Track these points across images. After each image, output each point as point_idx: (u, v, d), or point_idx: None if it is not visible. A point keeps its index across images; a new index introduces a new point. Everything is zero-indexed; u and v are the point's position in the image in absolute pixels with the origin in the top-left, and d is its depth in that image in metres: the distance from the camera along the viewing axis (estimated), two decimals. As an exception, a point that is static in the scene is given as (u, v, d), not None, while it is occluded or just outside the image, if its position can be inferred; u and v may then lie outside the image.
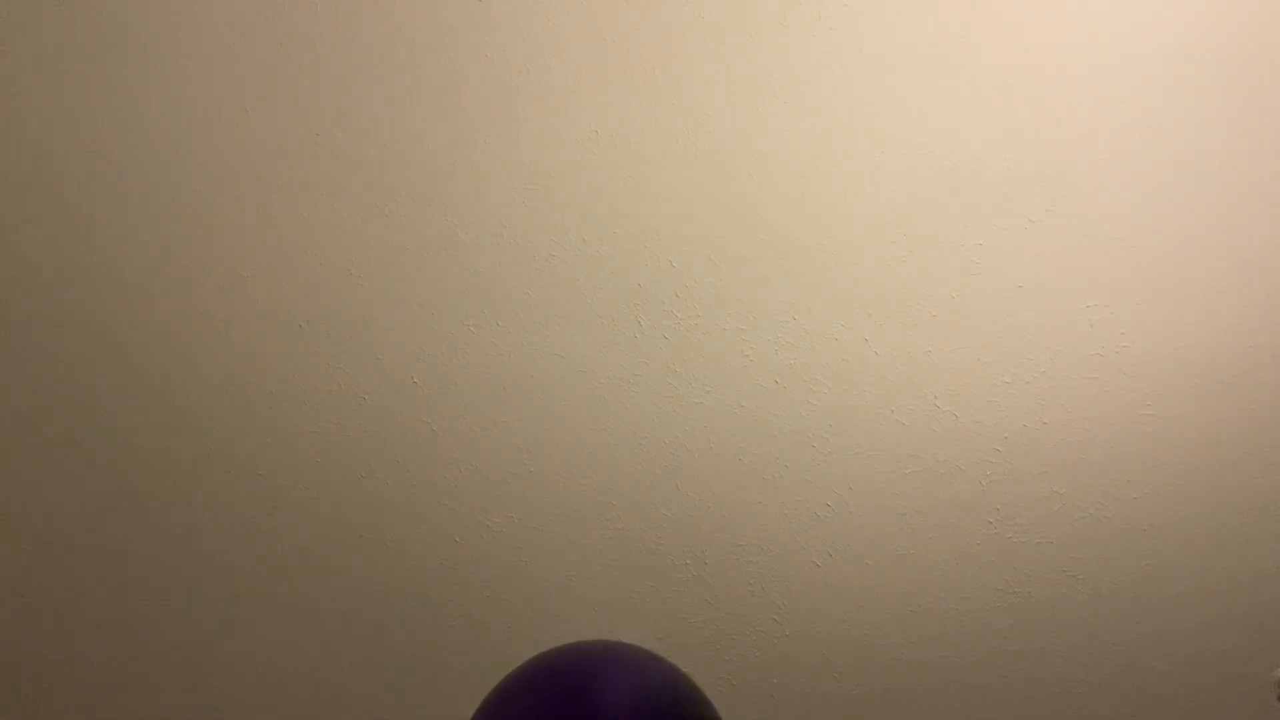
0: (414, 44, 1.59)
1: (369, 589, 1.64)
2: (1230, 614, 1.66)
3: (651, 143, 1.61)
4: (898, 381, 1.63)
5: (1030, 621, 1.65)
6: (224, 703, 1.65)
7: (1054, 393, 1.63)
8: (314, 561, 1.63)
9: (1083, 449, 1.64)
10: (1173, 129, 1.62)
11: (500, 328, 1.62)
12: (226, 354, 1.61)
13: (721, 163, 1.61)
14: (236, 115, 1.60)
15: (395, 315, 1.62)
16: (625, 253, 1.62)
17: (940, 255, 1.62)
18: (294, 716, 1.65)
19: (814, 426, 1.64)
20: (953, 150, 1.61)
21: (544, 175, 1.61)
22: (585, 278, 1.62)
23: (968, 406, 1.64)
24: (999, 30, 1.61)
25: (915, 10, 1.60)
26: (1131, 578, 1.65)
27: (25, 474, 1.62)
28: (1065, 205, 1.62)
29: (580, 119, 1.60)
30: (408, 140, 1.60)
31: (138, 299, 1.61)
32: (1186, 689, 1.66)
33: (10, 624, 1.63)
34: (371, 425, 1.62)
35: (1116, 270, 1.63)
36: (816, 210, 1.62)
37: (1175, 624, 1.66)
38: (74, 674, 1.64)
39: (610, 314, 1.62)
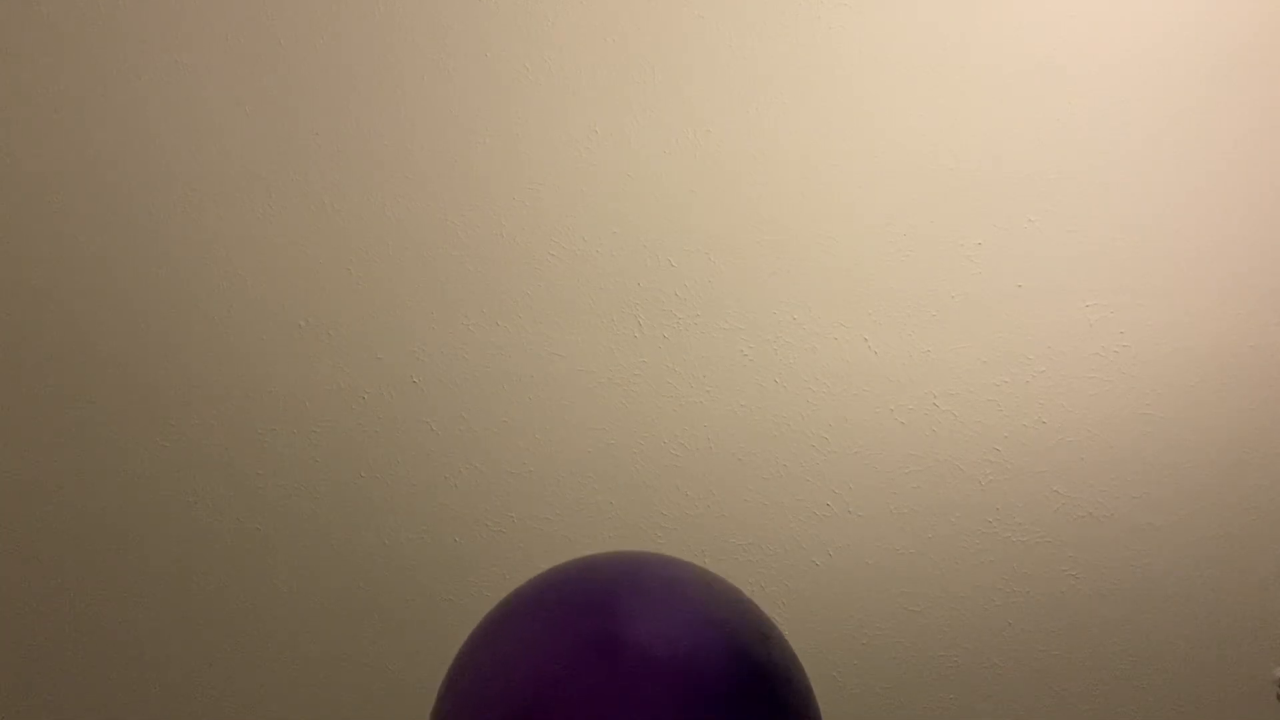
0: (413, 44, 1.60)
1: (369, 589, 1.64)
2: (1230, 613, 1.66)
3: (651, 142, 1.61)
4: (898, 381, 1.63)
5: (1030, 621, 1.65)
6: (222, 702, 1.65)
7: (1054, 393, 1.63)
8: (313, 561, 1.64)
9: (1083, 449, 1.64)
10: (1172, 129, 1.62)
11: (500, 328, 1.62)
12: (226, 354, 1.61)
13: (721, 163, 1.61)
14: (236, 115, 1.60)
15: (395, 315, 1.62)
16: (625, 253, 1.62)
17: (940, 255, 1.62)
18: (293, 716, 1.65)
19: (814, 426, 1.64)
20: (952, 150, 1.61)
21: (543, 175, 1.61)
22: (585, 277, 1.62)
23: (968, 406, 1.64)
24: (998, 31, 1.61)
25: (915, 11, 1.60)
26: (1131, 578, 1.65)
27: (23, 474, 1.62)
28: (1065, 205, 1.62)
29: (579, 119, 1.60)
30: (407, 140, 1.60)
31: (136, 299, 1.61)
32: (1186, 689, 1.66)
33: (7, 623, 1.63)
34: (371, 425, 1.62)
35: (1116, 270, 1.63)
36: (816, 210, 1.62)
37: (1175, 624, 1.66)
38: (71, 673, 1.64)
39: (610, 314, 1.62)
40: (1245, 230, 1.63)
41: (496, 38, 1.59)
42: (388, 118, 1.60)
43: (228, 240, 1.61)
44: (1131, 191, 1.62)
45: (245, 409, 1.62)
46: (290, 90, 1.60)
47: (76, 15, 1.59)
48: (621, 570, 1.04)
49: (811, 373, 1.63)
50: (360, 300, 1.62)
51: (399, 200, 1.61)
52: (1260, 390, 1.64)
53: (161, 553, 1.63)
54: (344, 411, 1.62)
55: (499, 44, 1.60)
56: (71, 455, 1.62)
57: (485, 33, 1.60)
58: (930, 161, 1.61)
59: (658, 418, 1.63)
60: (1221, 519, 1.65)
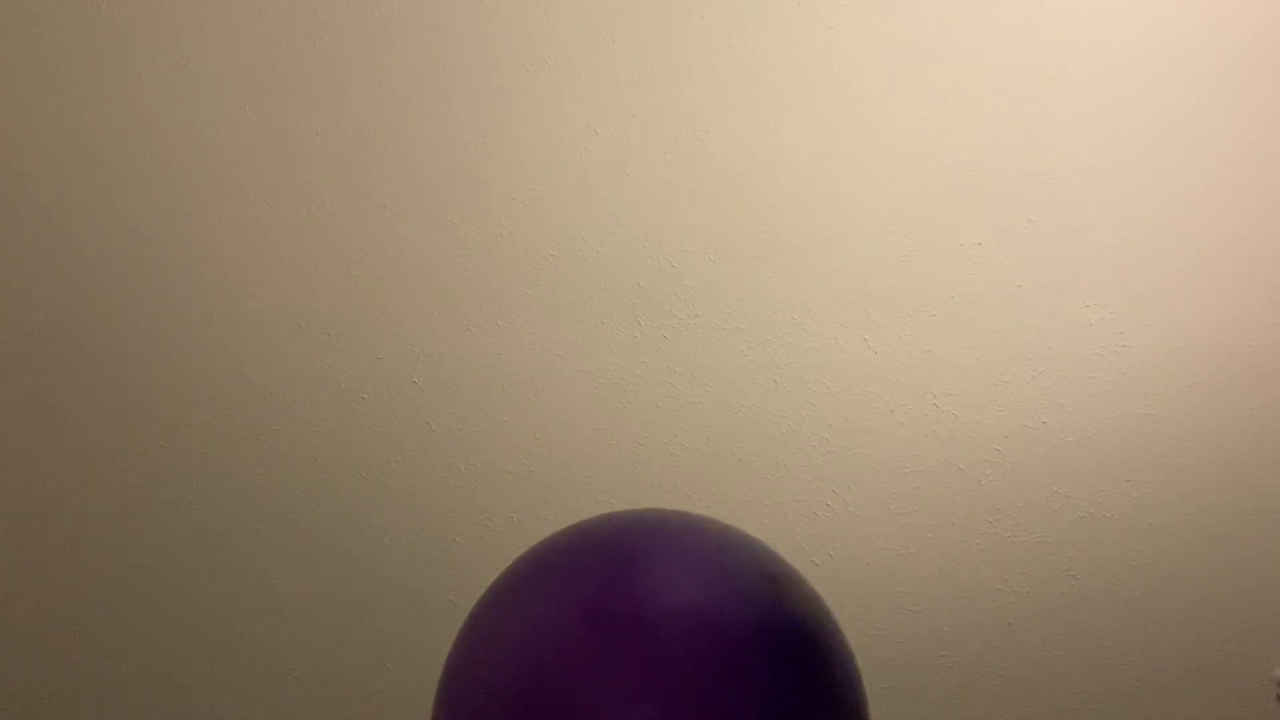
0: (413, 44, 1.60)
1: (369, 589, 1.64)
2: (1230, 614, 1.66)
3: (651, 142, 1.61)
4: (898, 381, 1.63)
5: (1030, 621, 1.65)
6: (222, 702, 1.64)
7: (1053, 393, 1.63)
8: (313, 562, 1.63)
9: (1083, 449, 1.64)
10: (1173, 129, 1.62)
11: (500, 328, 1.62)
12: (226, 354, 1.61)
13: (721, 163, 1.61)
14: (236, 115, 1.60)
15: (395, 315, 1.62)
16: (625, 253, 1.62)
17: (940, 255, 1.62)
18: (293, 715, 1.65)
19: (814, 426, 1.64)
20: (953, 150, 1.61)
21: (543, 175, 1.61)
22: (585, 278, 1.62)
23: (968, 406, 1.64)
24: (999, 30, 1.61)
25: (915, 10, 1.60)
26: (1131, 578, 1.65)
27: (21, 474, 1.62)
28: (1065, 205, 1.62)
29: (579, 119, 1.60)
30: (407, 140, 1.60)
31: (136, 299, 1.61)
32: (1186, 689, 1.66)
33: (8, 622, 1.63)
34: (371, 425, 1.62)
35: (1116, 270, 1.63)
36: (816, 210, 1.62)
37: (1174, 624, 1.66)
38: (69, 672, 1.64)
39: (610, 314, 1.62)
40: (1245, 230, 1.63)
41: (496, 38, 1.59)
42: (388, 118, 1.60)
43: (228, 240, 1.61)
44: (1131, 191, 1.62)
45: (244, 409, 1.62)
46: (290, 91, 1.60)
47: (76, 16, 1.59)
48: (620, 533, 1.02)
49: (811, 373, 1.63)
50: (360, 300, 1.61)
51: (399, 200, 1.61)
52: (1260, 390, 1.64)
53: (160, 554, 1.63)
54: (344, 412, 1.62)
55: (499, 44, 1.60)
56: (70, 455, 1.62)
57: (485, 33, 1.59)
58: (930, 161, 1.61)
59: (658, 418, 1.63)
60: (1221, 519, 1.65)
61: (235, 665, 1.64)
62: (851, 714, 0.99)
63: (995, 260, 1.62)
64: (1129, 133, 1.61)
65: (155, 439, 1.62)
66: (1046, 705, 1.67)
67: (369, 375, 1.62)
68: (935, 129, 1.61)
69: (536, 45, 1.60)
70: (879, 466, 1.64)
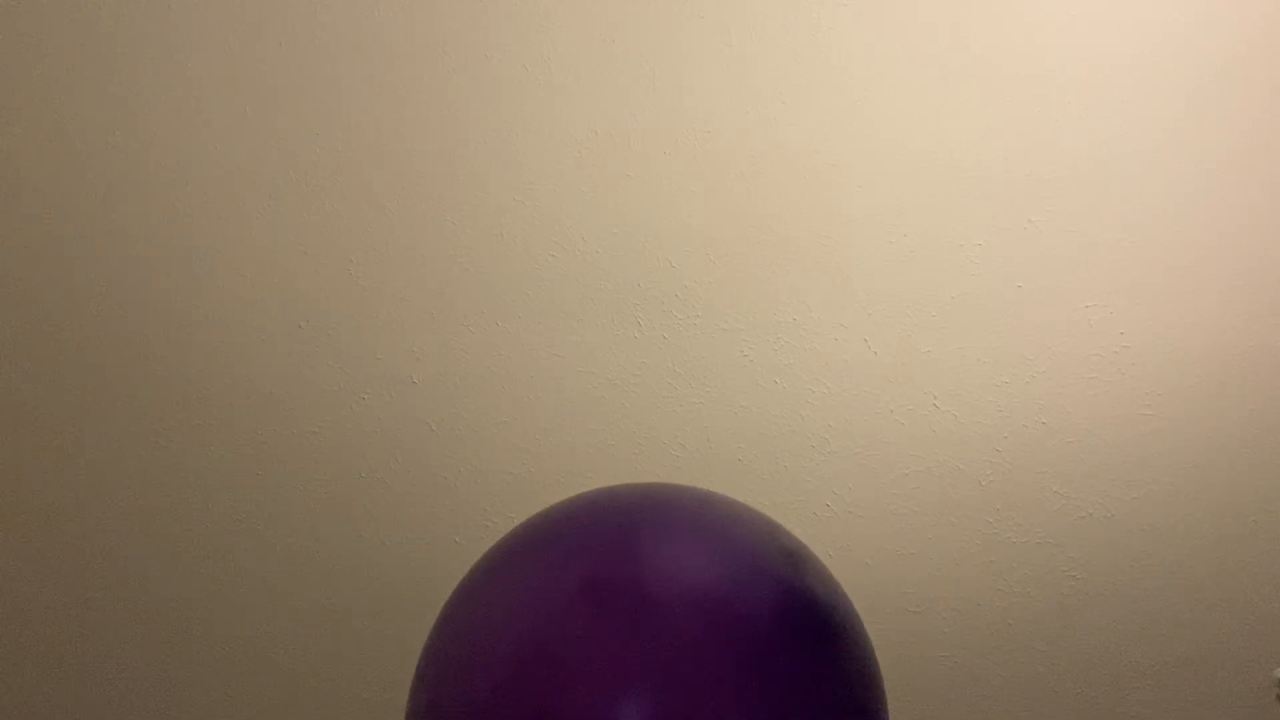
0: (413, 44, 1.59)
1: (369, 589, 1.64)
2: (1230, 614, 1.66)
3: (650, 142, 1.60)
4: (898, 381, 1.63)
5: (1030, 621, 1.65)
6: (221, 703, 1.64)
7: (1054, 393, 1.63)
8: (313, 562, 1.63)
9: (1083, 449, 1.64)
10: (1173, 129, 1.62)
11: (500, 328, 1.62)
12: (226, 354, 1.61)
13: (721, 163, 1.61)
14: (236, 115, 1.60)
15: (395, 315, 1.62)
16: (625, 253, 1.62)
17: (940, 255, 1.62)
18: (292, 716, 1.65)
19: (814, 426, 1.64)
20: (953, 150, 1.61)
21: (543, 175, 1.61)
22: (584, 277, 1.62)
23: (968, 406, 1.64)
24: (999, 31, 1.61)
25: (915, 11, 1.60)
26: (1131, 578, 1.65)
27: (25, 474, 1.62)
28: (1065, 205, 1.62)
29: (579, 119, 1.60)
30: (407, 140, 1.60)
31: (136, 299, 1.61)
32: (1186, 689, 1.66)
33: (8, 622, 1.63)
34: (371, 425, 1.62)
35: (1116, 270, 1.63)
36: (816, 210, 1.62)
37: (1175, 624, 1.65)
38: (66, 672, 1.64)
39: (610, 314, 1.62)
40: (1245, 230, 1.63)
41: (496, 38, 1.59)
42: (388, 118, 1.60)
43: (228, 241, 1.61)
44: (1131, 192, 1.62)
45: (244, 409, 1.62)
46: (290, 91, 1.60)
47: (77, 17, 1.59)
48: (627, 505, 0.95)
49: (811, 373, 1.63)
50: (360, 300, 1.61)
51: (399, 200, 1.61)
52: (1260, 390, 1.64)
53: (160, 554, 1.63)
54: (343, 412, 1.62)
55: (499, 44, 1.59)
56: (69, 455, 1.62)
57: (485, 33, 1.59)
58: (930, 161, 1.61)
59: (657, 418, 1.63)
60: (1221, 519, 1.65)
61: (234, 665, 1.64)
62: (867, 697, 0.94)
63: (995, 260, 1.62)
64: (1129, 133, 1.61)
65: (155, 439, 1.62)
66: (1046, 705, 1.67)
67: (369, 375, 1.62)
68: (935, 129, 1.61)
69: (536, 45, 1.59)
70: (879, 466, 1.64)
